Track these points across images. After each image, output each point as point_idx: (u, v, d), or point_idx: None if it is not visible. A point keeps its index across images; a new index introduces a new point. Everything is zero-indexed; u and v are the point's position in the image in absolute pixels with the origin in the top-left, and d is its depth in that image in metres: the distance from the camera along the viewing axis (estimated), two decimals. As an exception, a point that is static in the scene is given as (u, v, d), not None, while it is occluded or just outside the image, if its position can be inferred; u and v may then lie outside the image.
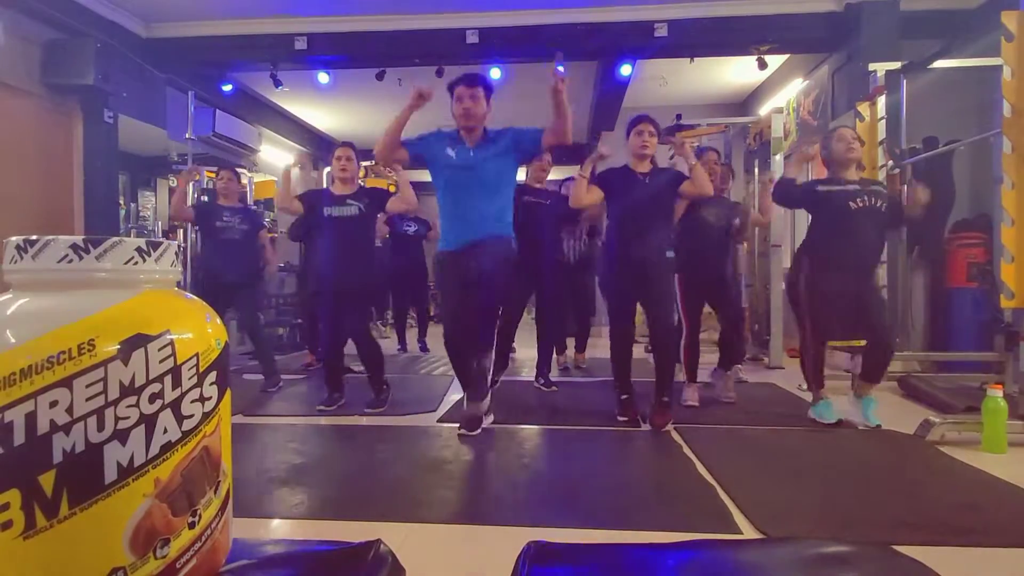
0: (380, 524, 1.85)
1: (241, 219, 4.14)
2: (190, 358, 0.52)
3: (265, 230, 4.41)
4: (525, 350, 4.95)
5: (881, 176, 3.88)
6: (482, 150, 2.84)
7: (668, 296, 3.09)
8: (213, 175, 5.22)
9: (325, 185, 8.30)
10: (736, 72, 6.67)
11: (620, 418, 3.09)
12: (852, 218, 2.96)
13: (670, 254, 3.05)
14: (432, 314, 7.42)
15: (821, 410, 3.03)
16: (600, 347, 5.13)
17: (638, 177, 3.07)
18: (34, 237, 0.51)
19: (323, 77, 5.92)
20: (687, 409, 3.36)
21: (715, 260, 3.54)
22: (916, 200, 3.13)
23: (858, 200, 2.97)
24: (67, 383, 0.45)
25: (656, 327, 3.06)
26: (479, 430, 2.82)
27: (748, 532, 1.79)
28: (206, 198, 5.13)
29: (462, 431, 2.81)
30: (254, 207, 6.29)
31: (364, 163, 7.54)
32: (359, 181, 3.66)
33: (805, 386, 3.84)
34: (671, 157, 3.47)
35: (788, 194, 3.22)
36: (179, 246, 0.60)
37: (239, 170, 6.22)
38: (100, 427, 0.47)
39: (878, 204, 2.97)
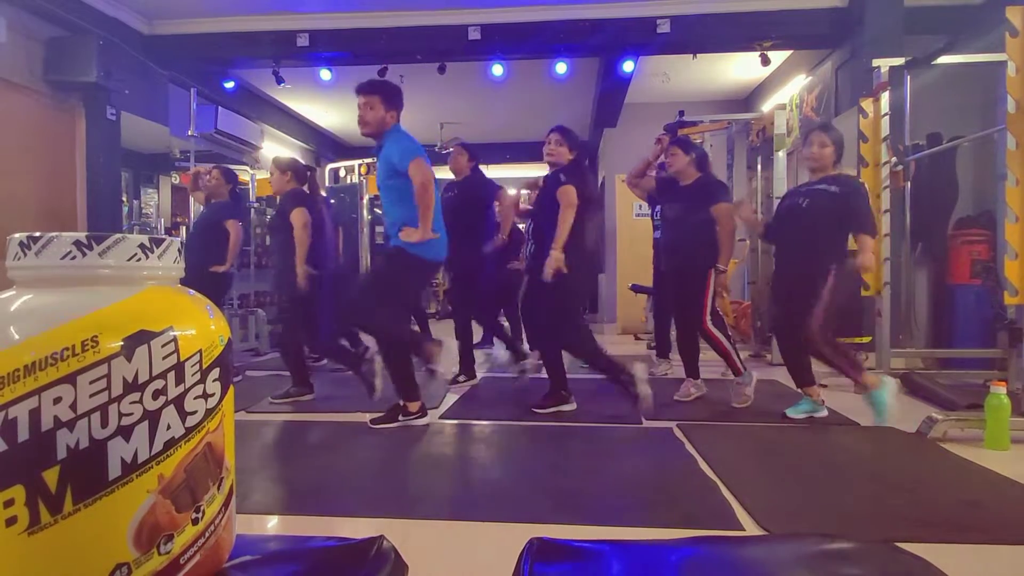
0: (383, 520, 1.86)
1: (208, 212, 4.17)
2: (193, 354, 0.52)
3: (232, 222, 4.18)
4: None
5: (884, 172, 3.85)
6: (380, 151, 2.90)
7: (541, 293, 3.16)
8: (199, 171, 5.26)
9: (327, 183, 8.33)
10: (739, 68, 6.65)
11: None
12: (782, 221, 3.11)
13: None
14: (433, 311, 7.42)
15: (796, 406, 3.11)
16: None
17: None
18: (37, 234, 0.51)
19: (325, 74, 5.92)
20: (682, 405, 3.37)
21: (670, 251, 3.52)
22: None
23: (787, 201, 3.12)
24: (71, 379, 0.45)
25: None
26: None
27: (750, 529, 1.79)
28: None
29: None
30: (256, 203, 6.29)
31: (366, 160, 7.56)
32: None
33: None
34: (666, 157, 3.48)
35: None
36: (181, 243, 0.59)
37: (239, 166, 6.23)
38: (104, 423, 0.47)
39: (802, 203, 2.95)
